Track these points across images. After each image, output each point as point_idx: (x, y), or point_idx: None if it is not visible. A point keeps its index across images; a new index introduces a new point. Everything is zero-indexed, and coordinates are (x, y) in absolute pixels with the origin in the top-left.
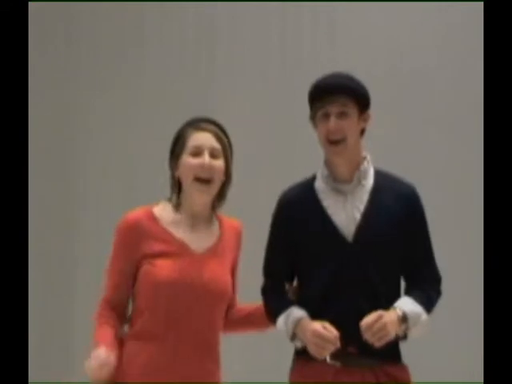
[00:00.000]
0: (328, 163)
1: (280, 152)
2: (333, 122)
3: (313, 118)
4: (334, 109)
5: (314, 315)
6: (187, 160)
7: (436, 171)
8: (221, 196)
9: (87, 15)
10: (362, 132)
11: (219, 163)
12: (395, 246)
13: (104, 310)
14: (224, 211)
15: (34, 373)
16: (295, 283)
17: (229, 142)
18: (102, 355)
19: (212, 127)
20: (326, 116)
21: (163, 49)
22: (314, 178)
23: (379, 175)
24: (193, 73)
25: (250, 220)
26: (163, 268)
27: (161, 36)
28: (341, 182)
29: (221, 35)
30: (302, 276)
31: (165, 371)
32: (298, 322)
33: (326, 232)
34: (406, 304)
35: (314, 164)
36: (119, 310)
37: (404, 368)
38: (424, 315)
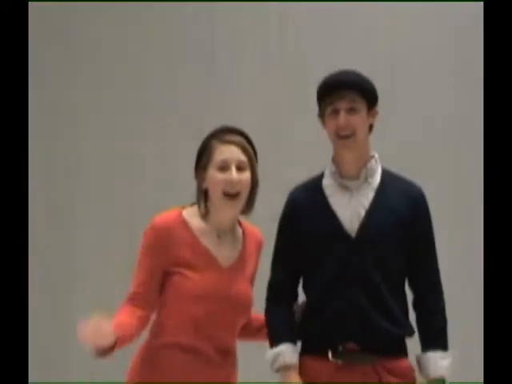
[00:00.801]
0: (336, 160)
1: (279, 152)
2: (342, 117)
3: (321, 115)
4: (343, 104)
5: (316, 311)
6: (214, 175)
7: (435, 172)
8: (249, 203)
9: (87, 15)
10: (370, 129)
11: (246, 176)
12: (397, 245)
13: (125, 306)
14: None
15: (33, 373)
16: (301, 301)
17: (254, 150)
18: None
19: (237, 139)
20: (336, 112)
21: (163, 50)
22: (321, 176)
23: (387, 175)
24: (193, 73)
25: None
26: (194, 281)
27: (161, 37)
28: (347, 178)
29: (221, 35)
30: (307, 272)
31: (199, 378)
32: (284, 368)
33: (331, 227)
34: (441, 366)
35: (313, 163)
36: (143, 306)
37: (405, 363)
38: (450, 355)
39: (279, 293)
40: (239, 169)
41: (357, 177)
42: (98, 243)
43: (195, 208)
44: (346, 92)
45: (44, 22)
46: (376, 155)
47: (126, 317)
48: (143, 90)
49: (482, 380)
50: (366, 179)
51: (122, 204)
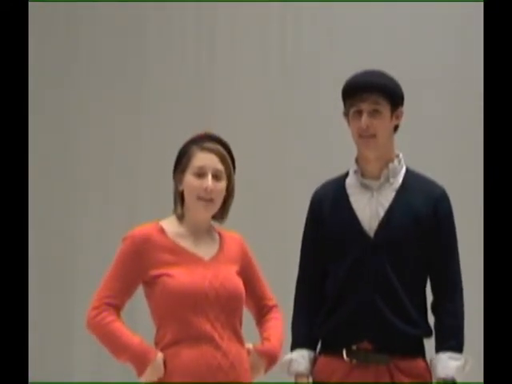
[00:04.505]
0: (359, 160)
1: (278, 153)
2: (364, 120)
3: (346, 114)
4: (365, 106)
5: (332, 310)
6: (191, 180)
7: (433, 174)
8: (223, 211)
9: (87, 15)
10: (396, 129)
11: (221, 185)
12: (416, 246)
13: (110, 312)
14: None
15: (33, 373)
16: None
17: (232, 159)
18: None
19: (216, 147)
20: (358, 113)
21: (163, 52)
22: (346, 175)
23: (410, 175)
24: (193, 75)
25: (252, 216)
26: (181, 276)
27: (161, 38)
28: (369, 178)
29: (221, 36)
30: (327, 270)
31: (213, 364)
32: (296, 375)
33: (350, 226)
34: (448, 367)
35: (313, 163)
36: (118, 313)
37: (421, 363)
38: (464, 358)
39: (304, 291)
40: (215, 177)
41: (378, 177)
42: (98, 243)
43: (172, 217)
44: (368, 94)
45: (44, 21)
46: (400, 155)
47: (126, 329)
48: (142, 90)
49: (482, 380)
50: (387, 179)
51: (122, 204)
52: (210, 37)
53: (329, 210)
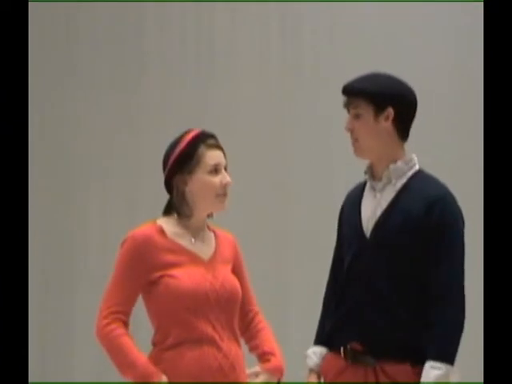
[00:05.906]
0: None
1: (278, 153)
2: (346, 124)
3: None
4: (350, 110)
5: (337, 307)
6: (207, 179)
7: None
8: None
9: (87, 15)
10: (401, 129)
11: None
12: (410, 249)
13: (119, 323)
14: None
15: (34, 373)
16: None
17: None
18: None
19: (219, 143)
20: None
21: (162, 49)
22: None
23: (417, 177)
24: (192, 74)
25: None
26: (183, 277)
27: (161, 39)
28: (375, 179)
29: (220, 37)
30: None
31: (214, 365)
32: (309, 370)
33: (353, 227)
34: (428, 376)
35: (312, 163)
36: (127, 321)
37: (407, 368)
38: (450, 369)
39: (326, 291)
40: (226, 171)
41: (381, 178)
42: (98, 243)
43: (168, 217)
44: (351, 98)
45: (44, 21)
46: (408, 157)
47: (134, 346)
48: (142, 90)
49: (481, 380)
50: (389, 180)
51: (122, 204)
52: (210, 37)
53: (346, 210)
